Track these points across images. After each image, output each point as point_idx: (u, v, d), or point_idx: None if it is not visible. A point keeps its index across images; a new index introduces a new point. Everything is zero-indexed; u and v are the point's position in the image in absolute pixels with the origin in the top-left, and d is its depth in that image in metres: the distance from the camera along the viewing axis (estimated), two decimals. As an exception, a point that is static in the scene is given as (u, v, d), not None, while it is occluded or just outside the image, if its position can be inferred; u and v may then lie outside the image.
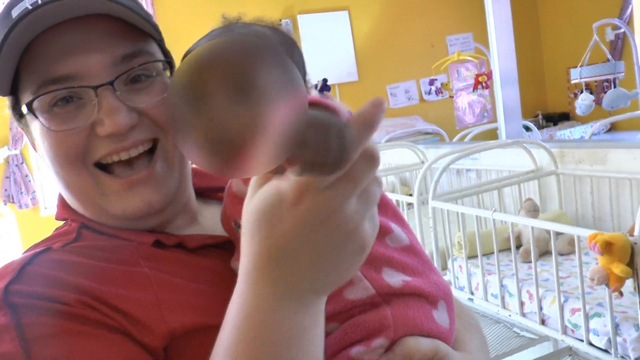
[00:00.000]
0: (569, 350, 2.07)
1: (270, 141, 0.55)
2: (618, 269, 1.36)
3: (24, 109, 0.65)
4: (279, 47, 0.58)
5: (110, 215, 0.68)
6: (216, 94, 0.55)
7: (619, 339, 1.51)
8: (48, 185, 4.83)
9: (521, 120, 3.00)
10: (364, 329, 0.60)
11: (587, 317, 1.59)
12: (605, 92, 4.12)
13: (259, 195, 0.47)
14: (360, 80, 5.70)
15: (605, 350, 1.56)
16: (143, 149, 0.68)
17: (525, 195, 2.45)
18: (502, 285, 1.93)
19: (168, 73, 0.72)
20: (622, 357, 1.51)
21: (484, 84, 4.59)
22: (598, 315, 1.58)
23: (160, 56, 0.72)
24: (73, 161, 0.66)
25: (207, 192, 0.83)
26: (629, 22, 5.57)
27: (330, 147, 0.43)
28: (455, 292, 2.12)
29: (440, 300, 0.65)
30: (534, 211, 2.15)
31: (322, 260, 0.46)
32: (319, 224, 0.44)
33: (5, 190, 4.70)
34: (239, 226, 0.62)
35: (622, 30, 5.12)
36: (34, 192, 4.77)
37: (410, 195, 2.44)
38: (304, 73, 0.67)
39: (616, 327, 1.51)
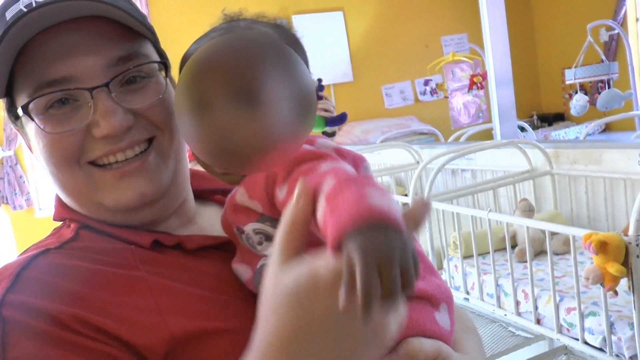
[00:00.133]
0: (565, 349, 2.08)
1: (276, 147, 0.56)
2: (613, 268, 1.37)
3: (20, 111, 0.65)
4: (286, 49, 0.58)
5: (106, 208, 0.68)
6: (218, 99, 0.55)
7: (613, 338, 1.52)
8: (42, 186, 4.82)
9: (516, 121, 3.01)
10: None
11: (582, 316, 1.60)
12: (599, 93, 4.14)
13: (293, 274, 0.47)
14: (355, 81, 5.71)
15: (600, 349, 1.56)
16: (139, 149, 0.68)
17: (520, 195, 2.46)
18: (497, 285, 1.94)
19: (163, 73, 0.72)
20: (617, 355, 1.52)
21: (478, 85, 4.61)
22: (593, 314, 1.58)
23: (155, 56, 0.72)
24: (68, 161, 0.66)
25: (205, 194, 0.83)
26: (623, 24, 5.59)
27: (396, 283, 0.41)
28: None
29: (442, 303, 0.65)
30: (529, 211, 2.16)
31: (344, 349, 0.47)
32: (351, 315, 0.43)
33: (0, 192, 4.69)
34: (242, 232, 0.63)
35: (616, 31, 5.15)
36: (29, 193, 4.76)
37: (406, 195, 2.44)
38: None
39: (611, 326, 1.52)
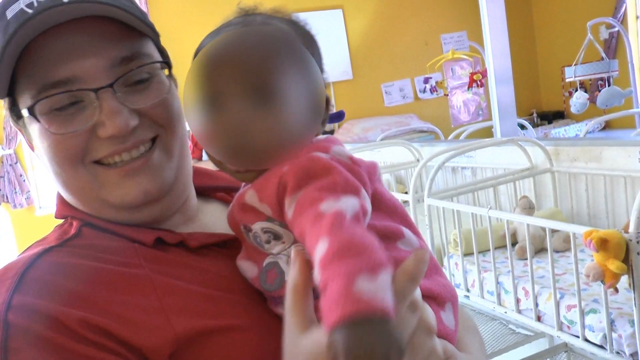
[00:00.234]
0: (565, 346, 2.08)
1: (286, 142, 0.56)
2: (613, 265, 1.37)
3: (25, 112, 0.65)
4: (301, 47, 0.59)
5: (110, 205, 0.68)
6: (233, 94, 0.56)
7: (614, 335, 1.52)
8: (43, 184, 4.82)
9: (516, 119, 3.01)
10: None
11: (582, 314, 1.60)
12: (599, 91, 4.14)
13: (313, 340, 0.49)
14: (354, 79, 5.71)
15: (601, 346, 1.56)
16: (144, 148, 0.68)
17: (521, 192, 2.46)
18: (498, 283, 1.94)
19: (166, 72, 0.72)
20: (618, 352, 1.52)
21: (478, 82, 4.61)
22: (593, 311, 1.58)
23: (157, 55, 0.72)
24: (72, 161, 0.66)
25: (208, 192, 0.83)
26: (623, 21, 5.59)
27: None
28: (451, 290, 2.12)
29: (448, 302, 0.66)
30: (529, 208, 2.16)
31: None
32: None
33: (0, 190, 4.69)
34: (249, 230, 0.63)
35: (616, 29, 5.14)
36: (29, 191, 4.76)
37: (406, 193, 2.44)
38: (322, 69, 0.67)
39: (611, 323, 1.52)
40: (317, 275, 0.48)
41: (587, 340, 1.60)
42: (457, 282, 2.16)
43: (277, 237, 0.61)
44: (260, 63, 0.56)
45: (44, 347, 0.55)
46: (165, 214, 0.72)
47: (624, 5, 5.70)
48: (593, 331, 1.58)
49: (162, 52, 0.74)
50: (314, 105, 0.58)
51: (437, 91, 5.98)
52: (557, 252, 2.03)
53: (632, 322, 1.46)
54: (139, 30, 0.68)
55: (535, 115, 6.62)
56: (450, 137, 4.19)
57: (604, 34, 5.65)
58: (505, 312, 1.94)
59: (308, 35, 0.67)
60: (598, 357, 1.60)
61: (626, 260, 1.39)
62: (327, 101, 0.65)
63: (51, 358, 0.54)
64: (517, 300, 1.86)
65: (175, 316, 0.59)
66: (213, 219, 0.77)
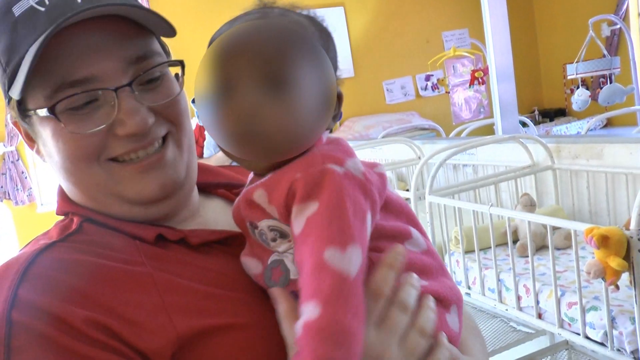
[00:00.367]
0: (566, 344, 2.08)
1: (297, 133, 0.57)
2: (614, 262, 1.37)
3: (42, 111, 0.65)
4: (316, 41, 0.61)
5: (126, 201, 0.68)
6: (246, 82, 0.56)
7: (615, 332, 1.52)
8: (44, 181, 4.82)
9: (517, 116, 3.01)
10: None
11: (583, 311, 1.60)
12: (601, 88, 4.13)
13: None
14: (356, 76, 5.70)
15: (602, 344, 1.56)
16: (158, 144, 0.69)
17: (522, 190, 2.46)
18: (499, 280, 1.94)
19: (171, 70, 0.73)
20: (618, 350, 1.52)
21: (480, 80, 4.60)
22: (594, 308, 1.58)
23: (163, 53, 0.72)
24: (88, 159, 0.66)
25: (209, 188, 0.83)
26: (625, 18, 5.58)
27: None
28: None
29: (453, 304, 0.66)
30: (530, 206, 2.16)
31: None
32: None
33: (1, 187, 4.69)
34: (255, 227, 0.63)
35: (617, 26, 5.14)
36: (30, 188, 4.76)
37: (407, 190, 2.44)
38: (336, 66, 0.67)
39: (612, 320, 1.52)
40: (298, 333, 0.52)
41: (587, 337, 1.60)
42: (458, 280, 2.16)
43: (283, 235, 0.61)
44: (276, 52, 0.57)
45: (47, 347, 0.54)
46: (175, 210, 0.72)
47: (626, 2, 5.69)
48: (594, 328, 1.58)
49: (164, 47, 0.74)
50: (325, 98, 0.59)
51: (438, 89, 5.98)
52: (558, 249, 2.03)
53: (632, 320, 1.46)
54: (149, 28, 0.69)
55: (536, 112, 6.61)
56: (451, 135, 4.18)
57: (606, 31, 5.65)
58: (506, 310, 1.94)
59: (325, 31, 0.67)
60: (599, 354, 1.61)
61: (627, 257, 1.39)
62: (340, 97, 0.66)
63: (55, 358, 0.54)
64: (518, 298, 1.86)
65: (177, 315, 0.59)
66: (214, 215, 0.78)
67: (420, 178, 2.56)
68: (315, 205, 0.56)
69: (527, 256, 1.79)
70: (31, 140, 0.72)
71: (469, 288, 2.11)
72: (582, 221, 2.10)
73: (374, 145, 3.31)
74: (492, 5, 2.75)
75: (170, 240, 0.68)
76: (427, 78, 6.01)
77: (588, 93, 4.03)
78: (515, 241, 2.09)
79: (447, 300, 0.65)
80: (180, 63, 0.73)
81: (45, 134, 0.67)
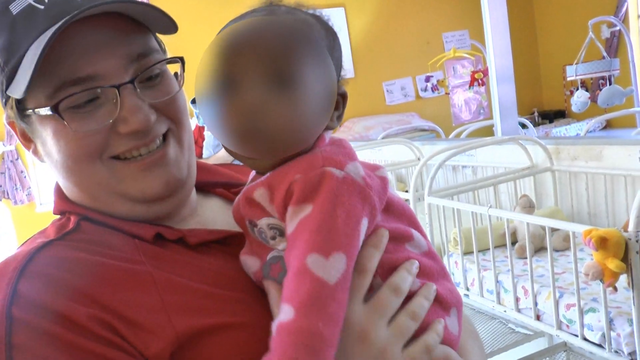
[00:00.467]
0: (564, 345, 2.08)
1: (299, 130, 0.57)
2: (612, 264, 1.37)
3: (44, 110, 0.64)
4: (320, 41, 0.61)
5: (129, 199, 0.68)
6: (251, 77, 0.56)
7: (612, 334, 1.52)
8: (44, 181, 4.82)
9: (517, 117, 3.01)
10: None
11: (581, 313, 1.60)
12: (600, 90, 4.13)
13: None
14: (356, 77, 5.70)
15: (600, 345, 1.57)
16: (159, 142, 0.69)
17: (521, 191, 2.46)
18: (497, 281, 1.94)
19: (176, 68, 0.73)
20: (616, 351, 1.52)
21: (480, 81, 4.61)
22: (592, 310, 1.59)
23: (160, 49, 0.72)
24: (91, 158, 0.66)
25: (207, 187, 0.82)
26: (624, 20, 5.58)
27: None
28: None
29: (453, 308, 0.66)
30: (529, 207, 2.16)
31: None
32: (355, 340, 0.57)
33: (0, 186, 4.69)
34: (254, 225, 0.63)
35: (617, 27, 5.14)
36: (30, 188, 4.76)
37: (406, 191, 2.44)
38: (341, 67, 0.67)
39: (610, 322, 1.52)
40: (273, 332, 0.53)
41: (586, 339, 1.60)
42: (457, 281, 2.16)
43: (283, 233, 0.61)
44: (283, 49, 0.57)
45: (51, 343, 0.54)
46: (177, 208, 0.72)
47: (626, 4, 5.69)
48: (592, 330, 1.58)
49: (160, 45, 0.74)
50: (327, 97, 0.59)
51: (438, 90, 5.98)
52: (557, 251, 2.04)
53: (630, 321, 1.46)
54: (146, 26, 0.69)
55: (536, 114, 6.61)
56: (451, 136, 4.19)
57: (606, 32, 5.65)
58: (505, 311, 1.94)
59: (331, 30, 0.67)
60: (597, 356, 1.61)
61: (625, 259, 1.39)
62: (345, 97, 0.66)
63: (58, 354, 0.54)
64: (517, 299, 1.86)
65: (176, 314, 0.59)
66: (212, 214, 0.77)
67: (420, 179, 2.56)
68: (309, 209, 0.56)
69: (526, 258, 1.79)
70: (28, 141, 0.71)
71: (468, 289, 2.11)
72: (581, 223, 2.10)
73: (373, 146, 3.31)
74: (492, 7, 2.76)
75: (168, 240, 0.68)
76: (427, 79, 6.01)
77: (587, 95, 4.04)
78: (514, 243, 2.09)
79: (447, 303, 0.65)
80: (181, 60, 0.72)
81: (46, 133, 0.66)
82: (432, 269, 0.66)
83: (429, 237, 1.90)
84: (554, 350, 2.13)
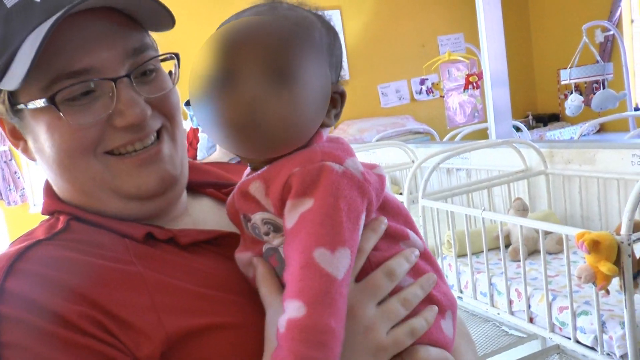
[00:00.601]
0: (557, 348, 2.09)
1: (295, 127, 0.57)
2: (605, 267, 1.38)
3: (39, 102, 0.63)
4: (320, 37, 0.62)
5: (123, 195, 0.67)
6: (249, 71, 0.56)
7: (605, 337, 1.53)
8: (37, 182, 4.80)
9: (511, 121, 3.02)
10: None
11: (574, 315, 1.61)
12: (594, 94, 4.15)
13: None
14: (351, 80, 5.70)
15: (592, 348, 1.57)
16: (153, 137, 0.69)
17: (515, 194, 2.47)
18: (490, 284, 1.95)
19: (170, 66, 0.73)
20: (608, 354, 1.53)
21: (474, 84, 4.62)
22: (585, 313, 1.59)
23: (154, 46, 0.72)
24: (85, 152, 0.65)
25: (197, 187, 0.82)
26: (618, 25, 5.62)
27: None
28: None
29: (448, 310, 0.66)
30: (523, 210, 2.17)
31: None
32: None
33: (-6, 187, 4.67)
34: (248, 220, 0.63)
35: (611, 32, 5.16)
36: (23, 189, 4.74)
37: (400, 194, 2.45)
38: (340, 66, 0.68)
39: (602, 325, 1.53)
40: (281, 329, 0.54)
41: (578, 342, 1.61)
42: (450, 284, 2.16)
43: (277, 229, 0.61)
44: (284, 45, 0.57)
45: (42, 340, 0.54)
46: (169, 206, 0.72)
47: (619, 8, 5.73)
48: (584, 333, 1.58)
49: (153, 41, 0.74)
50: (322, 93, 0.59)
51: (433, 93, 5.99)
52: (550, 254, 2.04)
53: (622, 324, 1.47)
54: (140, 23, 0.68)
55: (530, 117, 6.64)
56: (445, 139, 4.20)
57: (599, 37, 5.68)
58: (498, 314, 1.95)
59: (332, 29, 0.67)
60: (589, 358, 1.61)
61: (617, 262, 1.40)
62: (343, 95, 0.66)
63: (51, 351, 0.53)
64: (510, 302, 1.87)
65: (167, 315, 0.58)
66: (203, 214, 0.77)
67: (414, 181, 2.56)
68: (310, 202, 0.56)
69: (519, 260, 1.80)
70: (17, 138, 0.70)
71: (461, 292, 2.12)
72: (574, 226, 2.11)
73: (368, 149, 3.31)
74: (487, 10, 2.77)
75: (159, 240, 0.67)
76: (422, 82, 6.02)
77: (581, 98, 4.06)
78: (507, 245, 2.10)
79: (442, 306, 0.65)
80: (176, 56, 0.72)
81: (39, 127, 0.65)
82: (427, 271, 0.66)
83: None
84: (547, 352, 2.13)
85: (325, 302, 0.53)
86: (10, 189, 4.68)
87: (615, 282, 1.44)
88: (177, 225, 0.72)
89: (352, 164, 0.60)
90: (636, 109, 5.51)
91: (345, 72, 5.74)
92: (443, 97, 5.90)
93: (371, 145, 3.39)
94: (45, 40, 0.59)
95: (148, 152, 0.67)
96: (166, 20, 0.69)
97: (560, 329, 1.68)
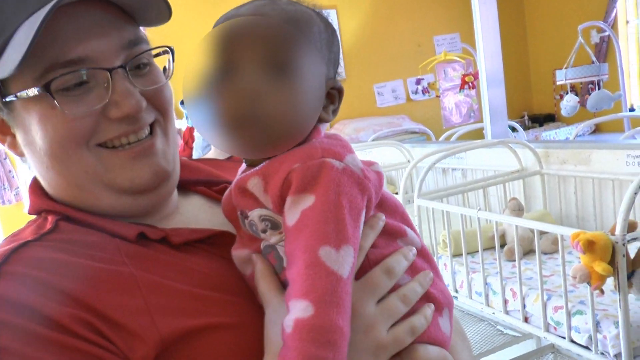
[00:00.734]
0: (552, 347, 2.09)
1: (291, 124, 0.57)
2: (599, 267, 1.38)
3: (32, 91, 0.62)
4: (319, 32, 0.62)
5: (115, 189, 0.66)
6: (249, 63, 0.56)
7: (599, 336, 1.53)
8: (32, 181, 4.78)
9: (507, 121, 3.03)
10: None
11: (569, 315, 1.61)
12: (589, 94, 4.17)
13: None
14: (347, 79, 5.70)
15: (586, 347, 1.58)
16: (147, 131, 0.68)
17: (510, 194, 2.47)
18: (486, 284, 1.95)
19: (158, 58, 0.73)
20: (602, 353, 1.53)
21: (470, 84, 4.63)
22: (580, 312, 1.60)
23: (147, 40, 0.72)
24: (78, 144, 0.64)
25: (188, 185, 0.81)
26: (614, 25, 5.64)
27: None
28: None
29: (445, 308, 0.66)
30: (518, 210, 2.17)
31: None
32: None
33: (-12, 186, 4.65)
34: (245, 217, 0.62)
35: (606, 33, 5.18)
36: (18, 188, 4.72)
37: (396, 193, 2.45)
38: (338, 62, 0.68)
39: (597, 324, 1.53)
40: (288, 329, 0.53)
41: (573, 341, 1.61)
42: (445, 283, 2.16)
43: (275, 226, 0.60)
44: (283, 38, 0.57)
45: (33, 343, 0.52)
46: (161, 203, 0.71)
47: (615, 9, 5.75)
48: (579, 332, 1.59)
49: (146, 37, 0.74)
50: (319, 88, 0.59)
51: (429, 92, 6.00)
52: (545, 253, 2.05)
53: (616, 324, 1.47)
54: (133, 16, 0.68)
55: (526, 117, 6.66)
56: (441, 139, 4.20)
57: (595, 37, 5.70)
58: (493, 313, 1.95)
59: (330, 25, 0.67)
60: (584, 358, 1.62)
61: (612, 262, 1.40)
62: (341, 91, 0.66)
63: (43, 354, 0.52)
64: (505, 302, 1.87)
65: (160, 316, 0.57)
66: (194, 213, 0.76)
67: (409, 181, 2.56)
68: (311, 199, 0.56)
69: (514, 260, 1.80)
70: (4, 133, 0.68)
71: (457, 291, 2.12)
72: (569, 226, 2.11)
73: (363, 148, 3.31)
74: (483, 11, 2.77)
75: (151, 239, 0.66)
76: (418, 82, 6.03)
77: (577, 99, 4.07)
78: (502, 245, 2.10)
79: (439, 303, 0.65)
80: (171, 50, 0.72)
81: (30, 118, 0.64)
82: (425, 268, 0.66)
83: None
84: (541, 352, 2.14)
85: (332, 301, 0.52)
86: (4, 188, 4.66)
87: (610, 282, 1.44)
88: (169, 224, 0.71)
89: (351, 161, 0.60)
90: (631, 110, 5.54)
91: (341, 72, 5.76)
92: (439, 97, 5.92)
93: (367, 145, 3.39)
94: (41, 28, 0.58)
95: (142, 145, 0.66)
96: (161, 14, 0.69)
97: (555, 328, 1.68)
